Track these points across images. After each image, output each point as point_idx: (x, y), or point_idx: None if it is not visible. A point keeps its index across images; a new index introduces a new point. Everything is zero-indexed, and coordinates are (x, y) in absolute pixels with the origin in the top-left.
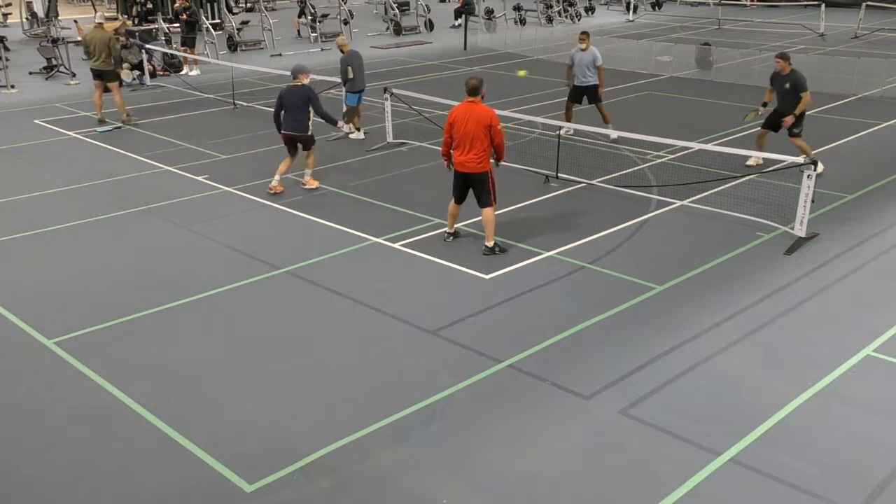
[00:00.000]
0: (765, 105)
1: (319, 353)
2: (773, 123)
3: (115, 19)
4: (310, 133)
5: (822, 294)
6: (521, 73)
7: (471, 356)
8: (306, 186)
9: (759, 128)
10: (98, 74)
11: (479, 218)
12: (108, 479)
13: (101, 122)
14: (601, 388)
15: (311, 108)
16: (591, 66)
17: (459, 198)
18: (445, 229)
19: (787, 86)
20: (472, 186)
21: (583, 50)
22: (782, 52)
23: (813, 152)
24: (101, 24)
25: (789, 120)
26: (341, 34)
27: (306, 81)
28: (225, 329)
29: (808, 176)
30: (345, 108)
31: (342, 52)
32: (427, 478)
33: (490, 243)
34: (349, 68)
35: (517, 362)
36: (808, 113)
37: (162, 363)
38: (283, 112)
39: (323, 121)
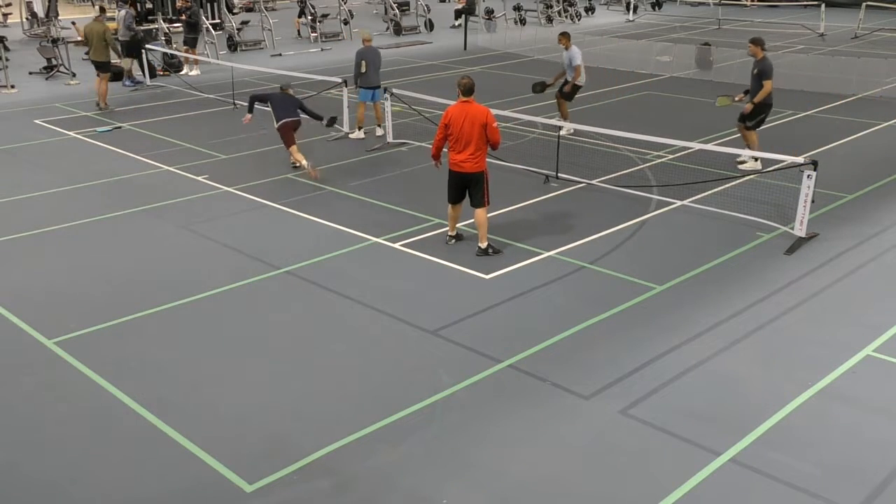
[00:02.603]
0: (746, 93)
1: (319, 353)
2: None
3: (114, 20)
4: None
5: (822, 294)
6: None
7: (471, 356)
8: (303, 163)
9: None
10: (96, 65)
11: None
12: (108, 479)
13: (99, 106)
14: (601, 388)
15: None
16: (569, 66)
17: (456, 198)
18: (447, 231)
19: (755, 71)
20: (469, 186)
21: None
22: (755, 37)
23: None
24: (98, 17)
25: (748, 108)
26: (363, 29)
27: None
28: (225, 329)
29: (808, 176)
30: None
31: (363, 44)
32: (427, 478)
33: (483, 244)
34: (363, 62)
35: (517, 362)
36: (807, 113)
37: (162, 363)
38: (272, 109)
39: (310, 117)
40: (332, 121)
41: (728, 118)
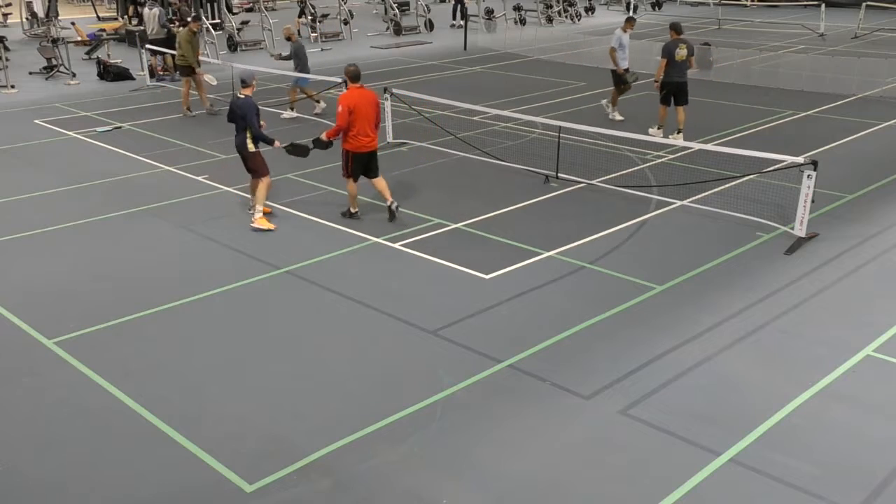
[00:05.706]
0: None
1: (319, 353)
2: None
3: (116, 20)
4: (251, 151)
5: (822, 294)
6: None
7: (471, 356)
8: (254, 224)
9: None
10: (183, 70)
11: (481, 218)
12: (108, 479)
13: (187, 109)
14: (601, 388)
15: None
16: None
17: (361, 176)
18: (349, 209)
19: None
20: (371, 161)
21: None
22: (672, 22)
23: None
24: (185, 23)
25: (656, 86)
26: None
27: (249, 93)
28: (225, 329)
29: (808, 176)
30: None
31: (290, 40)
32: (427, 478)
33: (391, 199)
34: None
35: (517, 362)
36: (807, 113)
37: (162, 363)
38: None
39: (262, 141)
40: (297, 150)
41: (727, 118)
